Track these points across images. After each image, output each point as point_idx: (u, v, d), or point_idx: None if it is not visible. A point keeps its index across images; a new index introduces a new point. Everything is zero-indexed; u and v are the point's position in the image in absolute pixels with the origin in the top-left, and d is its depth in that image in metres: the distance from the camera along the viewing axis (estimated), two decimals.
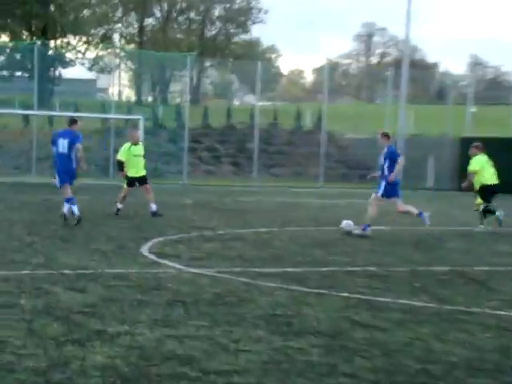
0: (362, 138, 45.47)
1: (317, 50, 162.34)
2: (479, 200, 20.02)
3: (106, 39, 68.82)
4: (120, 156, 21.03)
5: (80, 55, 64.65)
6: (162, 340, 7.68)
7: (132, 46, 71.78)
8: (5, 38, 66.34)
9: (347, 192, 35.48)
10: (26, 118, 41.96)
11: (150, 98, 63.61)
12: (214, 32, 74.71)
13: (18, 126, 41.90)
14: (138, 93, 63.56)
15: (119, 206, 20.46)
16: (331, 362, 7.19)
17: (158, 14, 73.62)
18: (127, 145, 20.93)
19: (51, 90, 53.80)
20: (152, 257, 13.25)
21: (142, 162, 20.85)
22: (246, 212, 22.63)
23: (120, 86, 63.52)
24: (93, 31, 68.98)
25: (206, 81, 71.56)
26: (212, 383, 6.40)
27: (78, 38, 67.85)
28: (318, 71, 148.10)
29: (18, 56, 55.42)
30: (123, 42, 73.61)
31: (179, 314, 8.92)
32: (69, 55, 64.83)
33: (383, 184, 17.64)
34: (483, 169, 19.76)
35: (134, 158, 20.68)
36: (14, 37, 64.03)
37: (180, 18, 74.30)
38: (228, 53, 71.30)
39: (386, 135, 18.12)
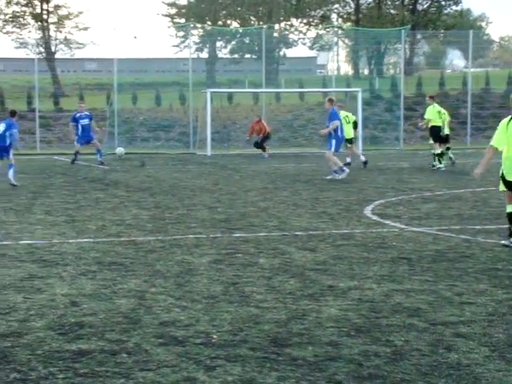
0: None
1: None
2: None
3: (324, 19, 69.01)
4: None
5: (302, 35, 65.35)
6: (390, 294, 7.64)
7: (349, 24, 71.49)
8: (235, 24, 68.09)
9: None
10: (255, 95, 42.85)
11: (366, 72, 63.25)
12: (425, 6, 72.88)
13: (248, 104, 42.87)
14: (356, 67, 63.35)
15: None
16: None
17: None
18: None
19: (277, 69, 54.67)
20: (375, 218, 13.20)
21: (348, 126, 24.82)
22: (463, 174, 22.02)
23: (338, 61, 63.66)
24: (313, 13, 69.40)
25: (418, 52, 70.15)
26: (440, 333, 6.29)
27: (299, 20, 68.55)
28: None
29: (247, 40, 56.73)
30: (340, 20, 73.51)
31: (404, 269, 8.83)
32: (292, 36, 65.67)
33: None
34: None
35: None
36: (243, 23, 65.58)
37: None
38: (439, 24, 69.39)
39: None
